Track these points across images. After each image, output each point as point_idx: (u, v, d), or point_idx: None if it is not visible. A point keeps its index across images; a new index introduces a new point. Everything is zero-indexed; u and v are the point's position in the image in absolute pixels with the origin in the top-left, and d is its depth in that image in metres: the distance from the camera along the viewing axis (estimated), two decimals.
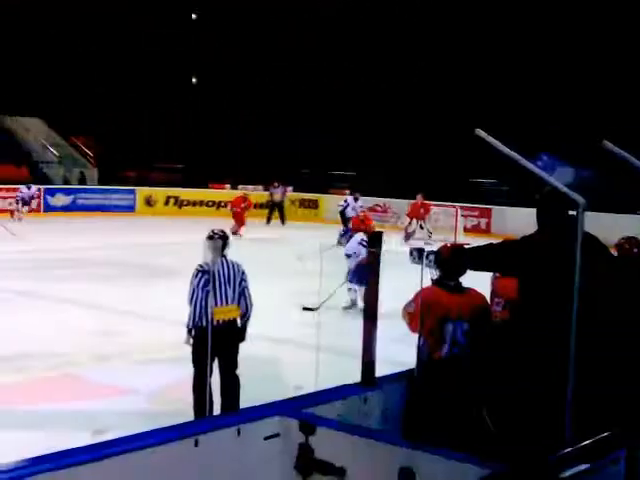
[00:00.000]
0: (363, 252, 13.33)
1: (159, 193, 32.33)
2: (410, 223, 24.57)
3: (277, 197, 29.28)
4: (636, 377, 4.87)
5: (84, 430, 6.41)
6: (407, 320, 5.52)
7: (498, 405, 5.15)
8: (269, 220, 28.77)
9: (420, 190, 24.67)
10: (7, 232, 21.40)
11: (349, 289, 13.49)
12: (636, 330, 5.03)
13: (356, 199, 24.53)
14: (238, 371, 7.41)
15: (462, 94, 32.62)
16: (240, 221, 24.12)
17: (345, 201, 24.96)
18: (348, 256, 13.75)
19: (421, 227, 24.22)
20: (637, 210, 23.49)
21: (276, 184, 29.52)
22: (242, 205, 24.77)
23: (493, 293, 5.87)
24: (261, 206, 29.02)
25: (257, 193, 30.24)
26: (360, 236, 14.07)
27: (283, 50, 36.88)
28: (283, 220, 28.83)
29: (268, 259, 17.62)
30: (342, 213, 24.42)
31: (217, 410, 7.09)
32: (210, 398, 7.16)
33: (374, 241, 5.13)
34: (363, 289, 12.87)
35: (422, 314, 5.31)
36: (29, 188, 27.77)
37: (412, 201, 24.83)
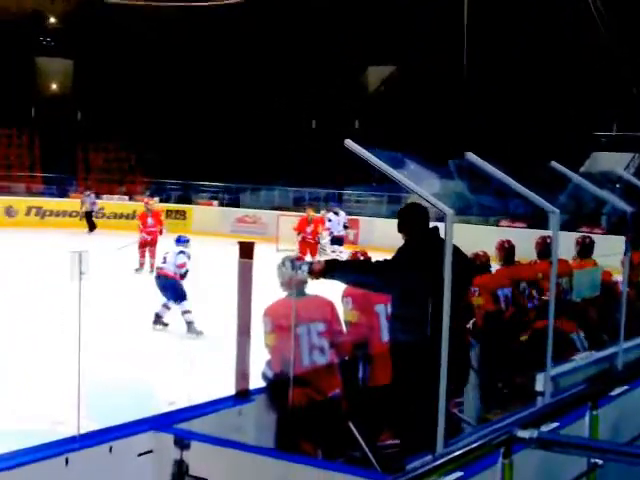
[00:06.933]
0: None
1: (20, 203, 31.13)
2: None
3: (86, 206, 28.61)
4: None
5: None
6: (269, 351, 5.31)
7: (367, 416, 5.24)
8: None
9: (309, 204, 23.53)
10: None
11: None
12: None
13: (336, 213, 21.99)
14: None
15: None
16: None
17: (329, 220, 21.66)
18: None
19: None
20: (498, 222, 24.39)
21: (87, 192, 29.05)
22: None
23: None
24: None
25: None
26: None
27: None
28: (91, 228, 28.15)
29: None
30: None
31: None
32: None
33: (246, 252, 5.05)
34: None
35: (277, 327, 5.21)
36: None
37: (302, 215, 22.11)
